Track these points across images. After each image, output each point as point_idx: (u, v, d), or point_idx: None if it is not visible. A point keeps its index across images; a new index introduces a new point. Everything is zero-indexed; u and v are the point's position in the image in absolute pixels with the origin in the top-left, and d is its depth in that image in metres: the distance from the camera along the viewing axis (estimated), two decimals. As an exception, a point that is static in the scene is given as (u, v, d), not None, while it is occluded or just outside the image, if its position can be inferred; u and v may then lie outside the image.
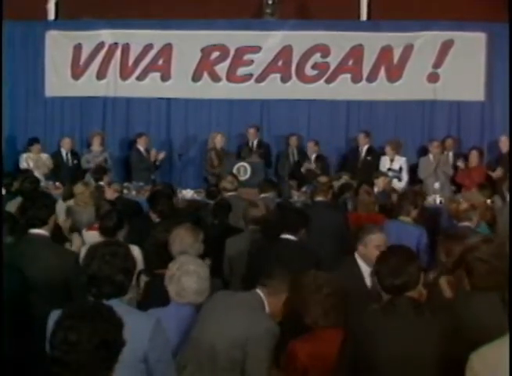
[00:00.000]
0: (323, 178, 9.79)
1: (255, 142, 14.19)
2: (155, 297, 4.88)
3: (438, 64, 14.42)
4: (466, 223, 7.67)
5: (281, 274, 4.80)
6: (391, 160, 13.57)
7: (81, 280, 4.02)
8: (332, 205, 9.23)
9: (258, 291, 4.72)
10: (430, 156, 13.61)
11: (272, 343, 4.43)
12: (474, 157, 13.41)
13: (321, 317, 4.47)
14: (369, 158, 13.92)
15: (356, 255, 6.15)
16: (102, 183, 10.65)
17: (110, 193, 10.05)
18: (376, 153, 14.05)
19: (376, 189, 11.16)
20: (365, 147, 14.06)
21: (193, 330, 4.58)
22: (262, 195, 9.60)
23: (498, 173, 12.60)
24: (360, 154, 14.06)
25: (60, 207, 8.93)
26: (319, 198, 9.03)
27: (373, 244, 6.01)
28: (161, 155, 13.96)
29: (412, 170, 13.89)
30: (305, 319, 4.53)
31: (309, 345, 4.44)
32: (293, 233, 6.57)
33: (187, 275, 4.92)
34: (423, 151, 14.31)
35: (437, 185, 13.02)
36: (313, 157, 13.85)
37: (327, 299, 4.48)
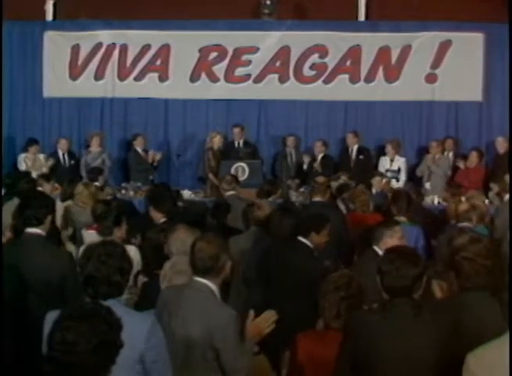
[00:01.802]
0: (321, 179, 9.83)
1: (241, 142, 14.18)
2: (153, 297, 4.87)
3: (435, 65, 14.43)
4: (465, 224, 7.67)
5: (208, 252, 4.44)
6: (391, 161, 13.59)
7: (76, 279, 4.01)
8: (330, 205, 9.23)
9: (199, 278, 4.44)
10: (430, 156, 13.63)
11: (236, 326, 4.33)
12: (473, 157, 13.40)
13: (333, 319, 4.47)
14: (361, 157, 13.96)
15: (376, 248, 6.37)
16: (97, 184, 10.66)
17: (103, 196, 10.06)
18: (368, 152, 14.10)
19: (374, 190, 11.19)
20: (355, 147, 14.09)
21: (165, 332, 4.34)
22: (270, 198, 9.64)
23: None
24: (351, 154, 14.08)
25: (58, 208, 8.96)
26: (317, 198, 9.08)
27: (397, 235, 6.39)
28: (158, 156, 13.95)
29: (411, 170, 13.92)
30: (320, 318, 4.54)
31: (311, 343, 4.45)
32: (305, 236, 6.61)
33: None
34: (422, 151, 14.31)
35: (427, 185, 13.07)
36: (320, 157, 13.88)
37: (342, 302, 4.48)
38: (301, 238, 6.62)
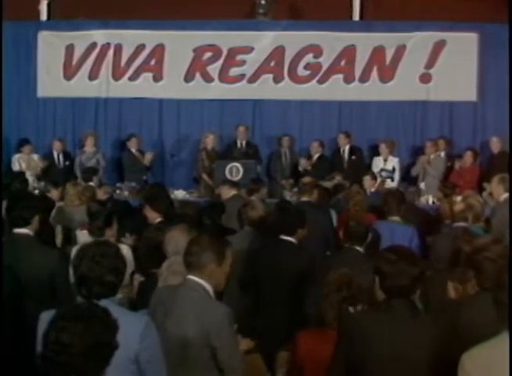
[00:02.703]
0: (306, 179, 9.83)
1: (244, 142, 14.15)
2: (150, 296, 4.86)
3: (430, 64, 14.43)
4: (461, 223, 7.65)
5: (197, 248, 4.46)
6: (385, 160, 13.58)
7: (66, 278, 4.00)
8: (317, 205, 9.21)
9: (192, 277, 4.43)
10: (425, 156, 13.63)
11: (231, 324, 4.35)
12: (468, 157, 13.40)
13: (335, 319, 4.45)
14: (353, 158, 13.95)
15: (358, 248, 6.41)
16: (91, 184, 10.69)
17: (101, 194, 10.10)
18: (360, 152, 14.12)
19: (368, 190, 11.19)
20: (347, 147, 14.07)
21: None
22: (253, 197, 9.63)
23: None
24: (343, 155, 14.07)
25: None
26: (304, 198, 9.09)
27: None
28: (150, 156, 13.93)
29: (407, 170, 13.94)
30: (320, 316, 4.52)
31: (311, 340, 4.44)
32: (291, 235, 6.58)
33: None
34: (417, 151, 14.32)
35: (422, 185, 13.08)
36: (316, 157, 13.87)
37: (344, 302, 4.48)
38: (285, 237, 6.57)
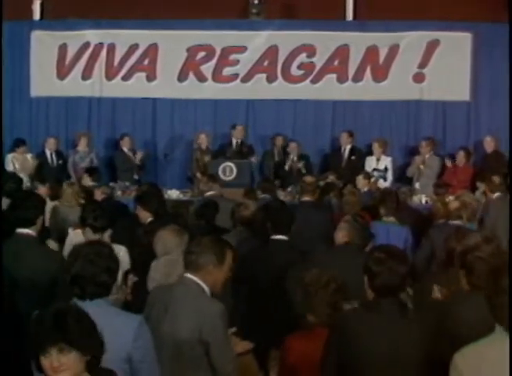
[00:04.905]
0: (309, 179, 9.77)
1: (239, 142, 14.14)
2: (144, 297, 4.86)
3: (423, 64, 14.43)
4: (456, 222, 7.65)
5: (198, 248, 4.53)
6: (378, 160, 13.59)
7: (66, 280, 4.00)
8: (318, 205, 9.22)
9: (189, 275, 4.48)
10: (420, 157, 13.62)
11: (224, 322, 4.36)
12: (461, 156, 13.42)
13: (327, 316, 4.43)
14: (353, 158, 13.93)
15: None
16: (92, 183, 10.72)
17: (98, 195, 10.11)
18: (360, 153, 14.08)
19: (361, 190, 11.18)
20: (348, 147, 14.05)
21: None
22: (262, 195, 9.67)
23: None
24: (343, 154, 14.06)
25: (48, 208, 8.99)
26: (306, 198, 9.06)
27: None
28: (140, 155, 13.92)
29: (401, 170, 13.95)
30: (309, 317, 4.49)
31: (304, 342, 4.41)
32: (286, 234, 6.54)
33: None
34: (410, 151, 14.33)
35: (417, 185, 13.09)
36: (295, 157, 13.81)
37: (334, 296, 4.45)
38: (279, 236, 6.52)
